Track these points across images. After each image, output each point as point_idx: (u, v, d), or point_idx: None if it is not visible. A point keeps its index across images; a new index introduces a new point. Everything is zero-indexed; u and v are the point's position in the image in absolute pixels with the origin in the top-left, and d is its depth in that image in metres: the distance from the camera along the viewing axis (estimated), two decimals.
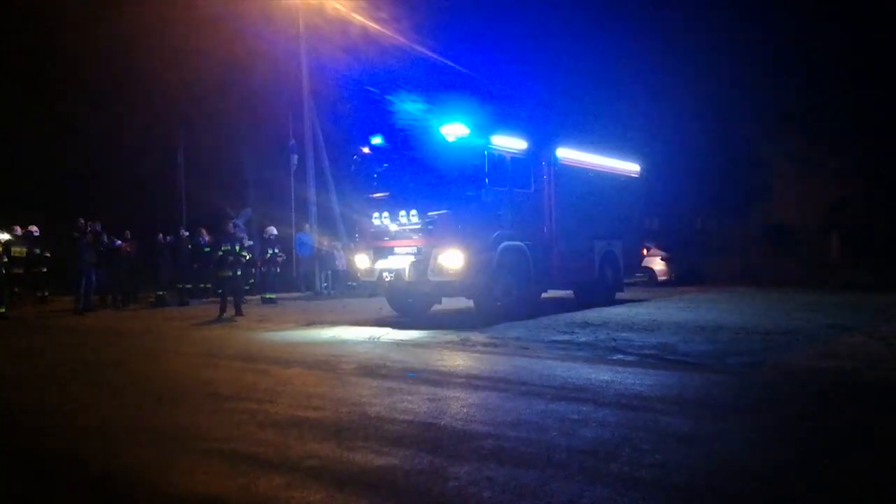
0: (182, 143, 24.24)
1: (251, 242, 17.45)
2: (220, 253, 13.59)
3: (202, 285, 17.80)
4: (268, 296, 16.70)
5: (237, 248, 13.74)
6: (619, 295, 14.82)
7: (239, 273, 13.71)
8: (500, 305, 11.25)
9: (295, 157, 20.49)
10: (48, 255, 17.00)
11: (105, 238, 16.27)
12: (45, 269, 17.14)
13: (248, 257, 14.92)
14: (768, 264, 21.07)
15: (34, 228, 16.87)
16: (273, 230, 18.24)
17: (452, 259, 10.66)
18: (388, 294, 12.56)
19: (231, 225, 14.62)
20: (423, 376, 6.74)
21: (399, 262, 11.26)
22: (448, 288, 11.22)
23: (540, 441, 4.37)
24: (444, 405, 5.45)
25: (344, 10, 19.03)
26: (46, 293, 17.39)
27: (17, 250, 15.95)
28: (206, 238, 17.71)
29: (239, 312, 13.25)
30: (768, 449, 4.26)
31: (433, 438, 4.51)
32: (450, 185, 11.00)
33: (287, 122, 20.78)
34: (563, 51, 26.62)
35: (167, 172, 24.60)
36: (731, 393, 5.90)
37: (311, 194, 20.34)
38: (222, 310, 13.13)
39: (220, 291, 14.04)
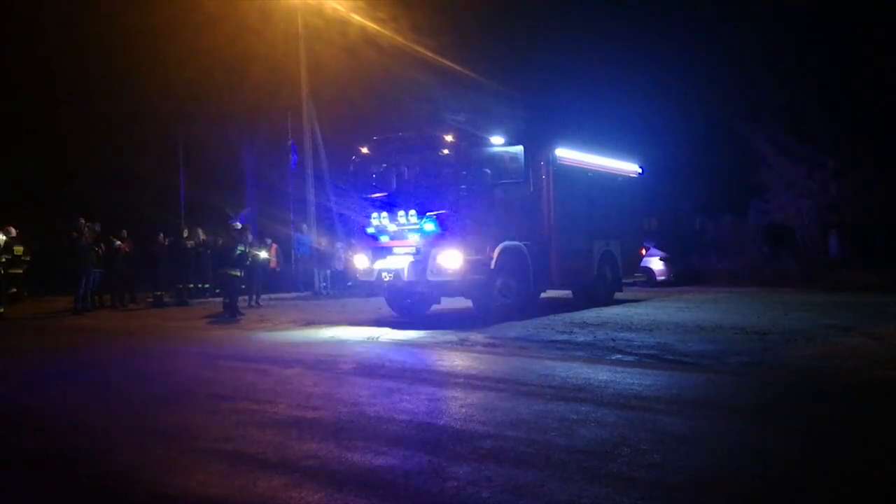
0: (181, 143, 24.24)
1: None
2: (238, 253, 13.55)
3: (201, 285, 17.80)
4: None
5: (249, 250, 13.83)
6: (617, 295, 14.82)
7: (241, 274, 13.74)
8: (499, 305, 11.25)
9: (294, 157, 20.49)
10: (28, 258, 16.89)
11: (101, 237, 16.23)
12: (20, 271, 16.87)
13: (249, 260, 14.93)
14: (767, 264, 21.09)
15: (11, 229, 16.60)
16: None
17: (451, 259, 10.66)
18: (387, 294, 12.56)
19: (248, 232, 14.54)
20: (422, 376, 6.74)
21: (398, 262, 11.26)
22: (447, 288, 11.22)
23: (539, 441, 4.38)
24: (442, 405, 5.46)
25: (343, 11, 19.04)
26: (25, 293, 17.36)
27: (18, 249, 15.94)
28: (202, 237, 17.69)
29: (238, 312, 13.26)
30: (767, 448, 4.26)
31: (432, 438, 4.52)
32: (448, 186, 11.01)
33: (286, 123, 20.79)
34: (561, 51, 26.65)
35: (166, 172, 24.60)
36: (729, 393, 5.91)
37: (310, 194, 20.34)
38: (235, 310, 13.14)
39: (217, 291, 14.06)
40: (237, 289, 13.66)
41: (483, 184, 11.14)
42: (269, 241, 18.76)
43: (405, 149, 11.80)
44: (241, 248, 13.58)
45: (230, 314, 13.11)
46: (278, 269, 18.89)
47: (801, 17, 21.83)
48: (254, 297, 16.03)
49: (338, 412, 5.29)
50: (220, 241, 15.26)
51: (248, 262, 14.04)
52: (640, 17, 27.81)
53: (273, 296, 17.87)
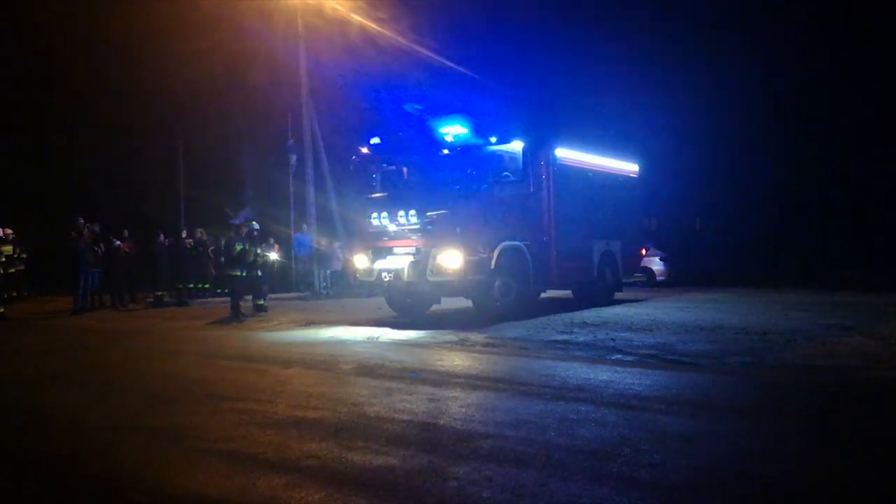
0: (181, 143, 24.24)
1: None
2: (238, 250, 13.50)
3: (201, 285, 17.79)
4: (260, 302, 14.48)
5: (250, 248, 13.78)
6: (617, 295, 14.82)
7: (242, 273, 13.70)
8: (499, 305, 11.25)
9: (294, 157, 20.49)
10: (24, 256, 16.97)
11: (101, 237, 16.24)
12: (14, 270, 16.87)
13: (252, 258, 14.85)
14: (768, 264, 21.10)
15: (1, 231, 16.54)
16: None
17: (451, 259, 10.66)
18: (387, 294, 12.56)
19: (246, 230, 14.51)
20: (422, 376, 6.74)
21: (398, 262, 11.25)
22: (447, 288, 11.22)
23: (539, 441, 4.38)
24: (442, 405, 5.46)
25: (343, 11, 19.03)
26: (25, 293, 17.41)
27: (6, 249, 16.00)
28: (202, 237, 17.68)
29: (239, 313, 13.24)
30: (767, 449, 4.26)
31: (432, 438, 4.52)
32: (448, 185, 11.01)
33: (286, 122, 20.78)
34: (562, 50, 26.67)
35: (166, 172, 24.61)
36: (729, 393, 5.91)
37: (310, 194, 20.33)
38: (237, 311, 13.12)
39: (219, 291, 14.00)
40: (239, 288, 13.62)
41: (483, 184, 11.13)
42: (271, 240, 18.76)
43: (405, 148, 11.79)
44: (239, 245, 13.55)
45: (233, 314, 13.11)
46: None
47: (800, 17, 21.86)
48: (261, 297, 15.80)
49: (338, 412, 5.29)
50: (223, 242, 15.26)
51: (251, 260, 13.88)
52: (640, 17, 27.83)
53: (273, 296, 17.84)
